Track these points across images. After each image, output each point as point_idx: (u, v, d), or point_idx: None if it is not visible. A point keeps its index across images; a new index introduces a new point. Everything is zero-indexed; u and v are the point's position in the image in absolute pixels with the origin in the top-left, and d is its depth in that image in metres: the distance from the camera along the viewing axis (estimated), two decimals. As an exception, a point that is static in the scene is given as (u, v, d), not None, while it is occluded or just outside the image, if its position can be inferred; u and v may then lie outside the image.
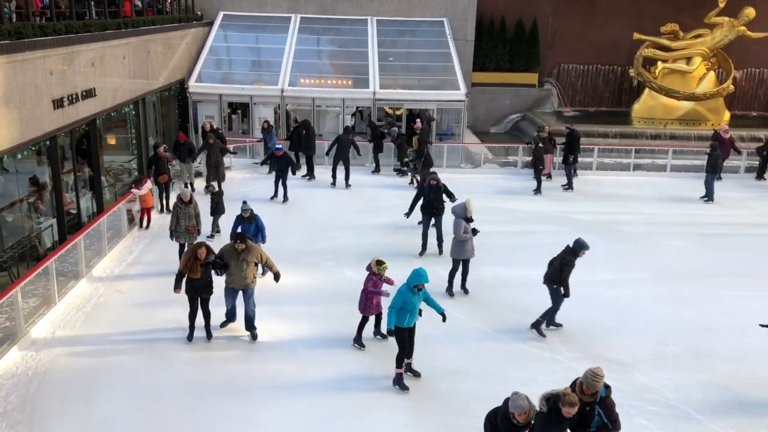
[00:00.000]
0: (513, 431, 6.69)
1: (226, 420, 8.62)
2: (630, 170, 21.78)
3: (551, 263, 10.78)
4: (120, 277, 12.89)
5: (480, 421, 8.51)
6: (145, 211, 15.51)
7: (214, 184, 16.35)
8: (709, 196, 18.86)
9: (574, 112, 28.75)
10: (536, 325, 10.87)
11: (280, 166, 17.52)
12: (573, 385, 6.97)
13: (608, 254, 14.45)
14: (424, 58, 24.69)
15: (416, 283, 9.02)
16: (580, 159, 21.07)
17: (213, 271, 10.27)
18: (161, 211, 16.53)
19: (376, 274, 10.16)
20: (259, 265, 10.70)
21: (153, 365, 9.80)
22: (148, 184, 15.62)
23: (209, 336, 10.49)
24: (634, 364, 10.14)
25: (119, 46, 17.30)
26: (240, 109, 23.79)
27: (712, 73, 26.33)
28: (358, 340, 10.43)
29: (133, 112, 19.35)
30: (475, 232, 12.08)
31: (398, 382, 9.32)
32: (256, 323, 10.59)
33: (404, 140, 20.18)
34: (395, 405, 9.02)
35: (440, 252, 13.99)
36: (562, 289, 10.64)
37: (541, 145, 19.69)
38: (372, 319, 10.56)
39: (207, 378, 9.56)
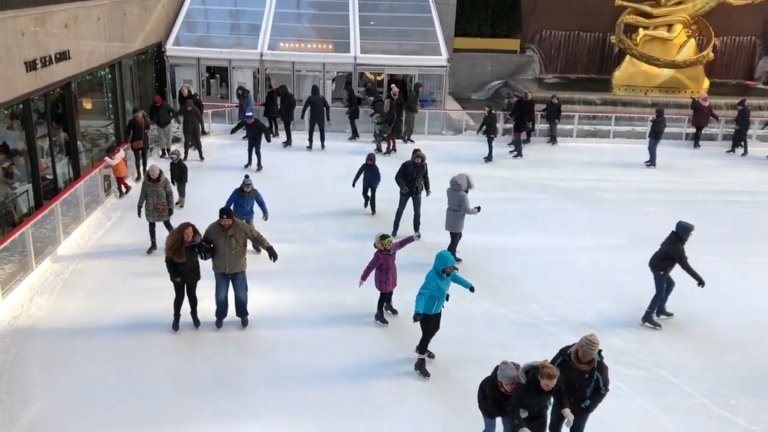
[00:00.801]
0: (501, 400, 6.76)
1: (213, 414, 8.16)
2: (610, 137, 21.89)
3: (659, 249, 10.34)
4: (99, 244, 12.77)
5: (459, 385, 8.70)
6: (120, 180, 15.17)
7: (180, 150, 15.57)
8: (651, 161, 19.16)
9: (555, 79, 28.72)
10: (647, 318, 10.51)
11: (252, 133, 17.17)
12: (561, 354, 7.03)
13: (586, 221, 14.61)
14: (405, 22, 24.39)
15: (444, 267, 8.56)
16: (560, 126, 21.28)
17: (198, 255, 9.53)
18: (137, 178, 16.18)
19: (382, 250, 9.80)
20: (249, 243, 9.92)
21: (135, 341, 9.54)
22: (121, 153, 15.11)
23: (197, 323, 9.88)
24: (610, 328, 10.31)
25: (94, 7, 16.86)
26: (218, 73, 23.40)
27: (692, 41, 26.36)
28: (380, 317, 10.22)
29: (109, 76, 18.96)
30: (478, 209, 11.83)
31: (420, 367, 9.03)
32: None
33: (381, 106, 20.02)
34: (380, 372, 9.11)
35: (416, 230, 13.32)
36: (693, 278, 10.02)
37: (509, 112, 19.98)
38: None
39: (193, 368, 9.04)
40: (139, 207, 12.25)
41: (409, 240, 10.21)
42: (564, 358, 6.90)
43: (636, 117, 23.16)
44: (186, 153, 17.76)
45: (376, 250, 9.91)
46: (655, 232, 11.44)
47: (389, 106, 18.92)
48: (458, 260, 12.07)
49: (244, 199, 11.94)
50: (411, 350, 9.23)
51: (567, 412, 6.73)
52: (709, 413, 8.43)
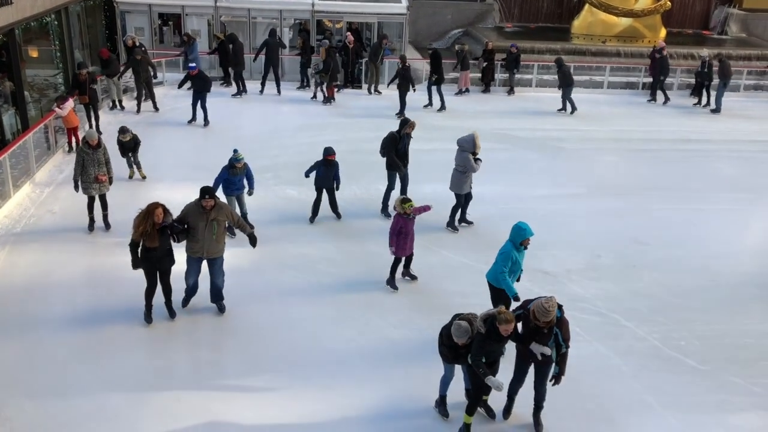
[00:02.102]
0: (456, 352, 6.97)
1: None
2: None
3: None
4: (51, 197, 12.43)
5: (420, 333, 8.84)
6: (71, 131, 14.33)
7: (132, 132, 12.96)
8: (564, 107, 19.42)
9: (515, 28, 28.55)
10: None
11: (197, 86, 16.16)
12: (522, 307, 7.10)
13: (544, 170, 14.77)
14: (364, -32, 23.80)
15: (522, 239, 8.16)
16: (519, 75, 21.33)
17: (170, 238, 8.46)
18: None
19: (402, 215, 9.46)
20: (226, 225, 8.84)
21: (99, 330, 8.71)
22: (70, 103, 14.28)
23: (172, 314, 8.86)
24: (567, 275, 10.56)
25: (36, -52, 16.07)
26: (171, 20, 22.63)
27: (650, -11, 26.40)
28: (391, 282, 9.91)
29: (56, 23, 18.19)
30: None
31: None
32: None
33: (335, 53, 19.72)
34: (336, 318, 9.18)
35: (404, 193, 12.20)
36: None
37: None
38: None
39: (169, 362, 8.28)
40: (76, 180, 10.85)
41: (427, 208, 9.81)
42: (524, 311, 6.96)
43: (594, 66, 23.25)
44: (139, 105, 17.27)
45: (395, 213, 9.65)
46: (613, 181, 11.69)
47: (325, 53, 18.62)
48: (470, 223, 12.06)
49: (235, 176, 10.77)
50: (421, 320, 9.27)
51: (536, 345, 6.84)
52: (660, 355, 8.75)
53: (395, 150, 11.96)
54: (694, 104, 21.13)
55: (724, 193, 14.01)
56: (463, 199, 11.89)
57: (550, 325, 6.79)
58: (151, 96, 17.36)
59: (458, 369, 7.34)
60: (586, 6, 26.29)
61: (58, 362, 8.07)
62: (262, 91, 19.53)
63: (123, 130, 12.70)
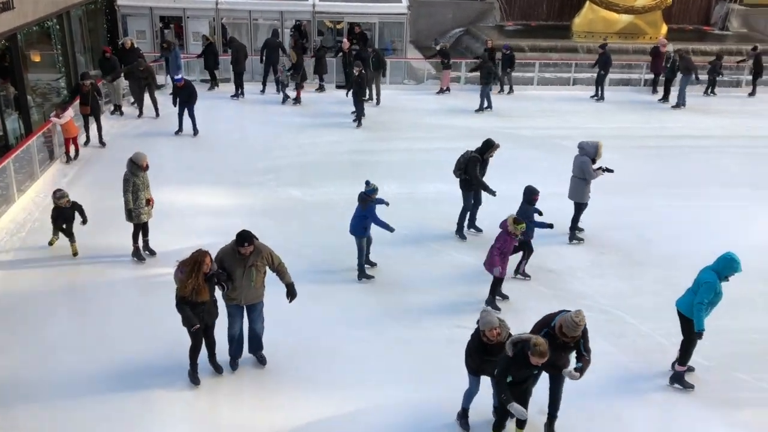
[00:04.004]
0: (483, 350, 6.65)
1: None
2: (570, 84, 21.98)
3: None
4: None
5: (429, 332, 8.85)
6: (69, 141, 14.07)
7: (69, 197, 10.46)
8: (480, 106, 19.01)
9: (516, 26, 28.54)
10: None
11: (183, 96, 15.59)
12: (545, 325, 6.77)
13: (548, 168, 14.72)
14: (364, -31, 23.81)
15: (730, 273, 7.57)
16: (521, 74, 21.31)
17: (218, 286, 7.63)
18: (86, 143, 15.09)
19: (510, 234, 9.07)
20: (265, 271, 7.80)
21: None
22: (70, 112, 14.10)
23: (218, 369, 7.99)
24: (570, 272, 10.57)
25: (37, -47, 16.10)
26: (173, 23, 22.68)
27: (651, -14, 26.37)
28: (491, 302, 9.43)
29: (58, 27, 18.23)
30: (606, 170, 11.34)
31: (680, 380, 8.17)
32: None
33: (325, 53, 19.73)
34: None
35: (470, 227, 11.89)
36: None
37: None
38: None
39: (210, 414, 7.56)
40: (131, 210, 9.95)
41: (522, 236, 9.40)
42: (549, 330, 6.70)
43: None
44: (140, 110, 17.22)
45: (501, 231, 9.23)
46: (615, 178, 11.67)
47: (295, 55, 18.58)
48: (581, 230, 11.77)
49: (365, 210, 9.83)
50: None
51: (570, 372, 6.64)
52: (665, 351, 8.74)
53: (483, 173, 11.36)
54: (659, 100, 21.06)
55: (728, 189, 13.99)
56: (584, 208, 11.54)
57: (576, 339, 6.62)
58: (153, 101, 17.22)
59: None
60: (587, 3, 26.28)
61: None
62: (263, 91, 19.59)
63: (60, 195, 10.33)
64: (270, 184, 13.48)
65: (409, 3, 22.58)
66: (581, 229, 11.80)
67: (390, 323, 9.13)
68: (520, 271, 10.36)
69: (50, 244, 10.65)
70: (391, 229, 9.85)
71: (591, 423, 7.48)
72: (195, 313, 7.35)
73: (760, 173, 15.04)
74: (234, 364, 8.10)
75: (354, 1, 22.32)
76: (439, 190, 13.25)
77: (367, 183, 9.83)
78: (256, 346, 8.19)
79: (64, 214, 10.32)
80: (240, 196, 12.49)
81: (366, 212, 9.75)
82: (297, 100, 18.99)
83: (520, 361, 6.24)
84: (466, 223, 11.65)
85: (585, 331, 6.75)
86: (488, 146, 11.32)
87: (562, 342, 6.60)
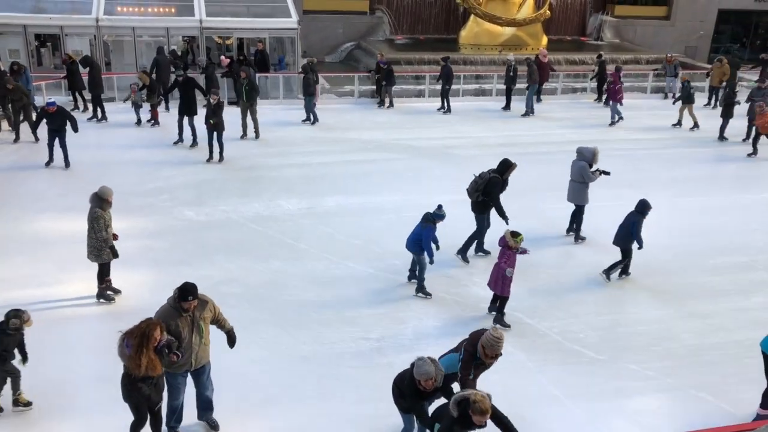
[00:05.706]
0: (420, 397, 6.44)
1: None
2: (459, 96, 22.62)
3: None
4: None
5: (330, 347, 8.78)
6: None
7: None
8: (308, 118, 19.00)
9: (405, 40, 29.13)
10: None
11: (55, 124, 14.15)
12: (467, 355, 6.68)
13: (441, 177, 15.08)
14: (252, -17, 23.63)
15: None
16: (407, 86, 21.77)
17: (169, 356, 6.50)
18: None
19: (511, 248, 8.99)
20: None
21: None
22: None
23: None
24: (469, 278, 10.81)
25: None
26: (50, 41, 21.55)
27: (531, 0, 27.70)
28: (500, 320, 9.39)
29: None
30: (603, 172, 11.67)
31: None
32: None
33: (214, 70, 19.30)
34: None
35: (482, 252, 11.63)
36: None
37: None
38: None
39: None
40: (113, 247, 9.41)
41: (524, 251, 9.29)
42: (476, 362, 6.69)
43: (483, 75, 24.10)
44: (17, 132, 16.22)
45: (501, 248, 9.13)
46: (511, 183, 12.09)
47: (145, 75, 17.98)
48: (582, 239, 11.98)
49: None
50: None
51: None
52: (561, 348, 9.11)
53: (500, 193, 11.03)
54: (596, 100, 22.22)
55: (606, 190, 14.74)
56: (584, 210, 11.78)
57: (496, 359, 6.67)
58: (30, 124, 16.02)
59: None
60: (472, 17, 27.23)
61: None
62: (167, 108, 18.86)
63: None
64: (163, 205, 13.01)
65: (299, 18, 22.56)
66: (583, 238, 12.11)
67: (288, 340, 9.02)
68: None
69: None
70: (431, 257, 9.67)
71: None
72: (138, 389, 6.44)
73: (637, 173, 16.01)
74: None
75: (243, 16, 22.07)
76: (337, 202, 13.27)
77: (440, 207, 9.75)
78: (207, 408, 7.30)
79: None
80: (127, 219, 11.96)
81: (424, 231, 9.63)
82: (155, 122, 18.09)
83: (466, 422, 5.82)
84: (473, 246, 11.33)
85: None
86: (507, 166, 11.07)
87: (490, 364, 6.76)
